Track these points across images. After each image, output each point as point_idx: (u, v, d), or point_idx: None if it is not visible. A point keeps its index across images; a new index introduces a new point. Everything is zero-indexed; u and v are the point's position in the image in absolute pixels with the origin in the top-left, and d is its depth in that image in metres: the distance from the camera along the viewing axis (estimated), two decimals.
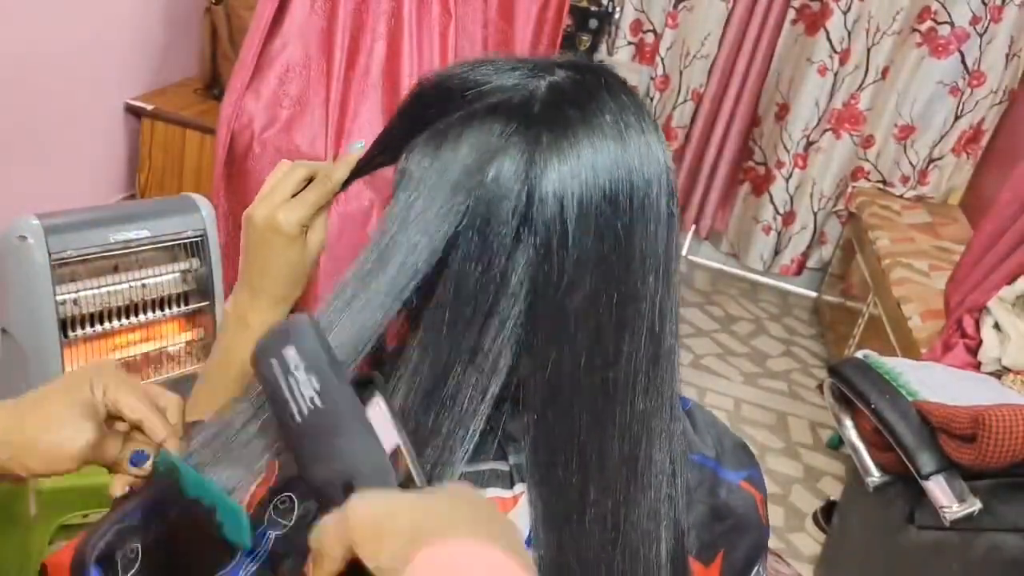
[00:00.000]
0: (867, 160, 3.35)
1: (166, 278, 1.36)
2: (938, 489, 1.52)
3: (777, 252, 3.55)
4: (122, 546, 0.56)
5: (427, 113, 0.57)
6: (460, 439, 0.54)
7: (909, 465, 1.55)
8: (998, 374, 1.90)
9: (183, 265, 1.39)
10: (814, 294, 3.58)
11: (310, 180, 0.70)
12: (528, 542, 0.56)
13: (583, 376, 0.55)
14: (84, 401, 0.58)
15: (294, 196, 0.69)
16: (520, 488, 0.57)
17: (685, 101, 3.46)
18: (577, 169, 0.53)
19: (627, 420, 0.56)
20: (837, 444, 2.64)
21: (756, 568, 0.67)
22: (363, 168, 0.67)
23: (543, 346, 0.55)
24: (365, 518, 0.43)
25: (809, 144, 3.36)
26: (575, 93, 0.55)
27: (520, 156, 0.53)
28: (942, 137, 3.25)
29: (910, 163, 3.31)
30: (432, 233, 0.54)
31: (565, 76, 0.56)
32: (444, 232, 0.54)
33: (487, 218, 0.53)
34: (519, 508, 0.56)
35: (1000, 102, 3.14)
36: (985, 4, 3.05)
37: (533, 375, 0.55)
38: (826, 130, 3.33)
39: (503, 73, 0.56)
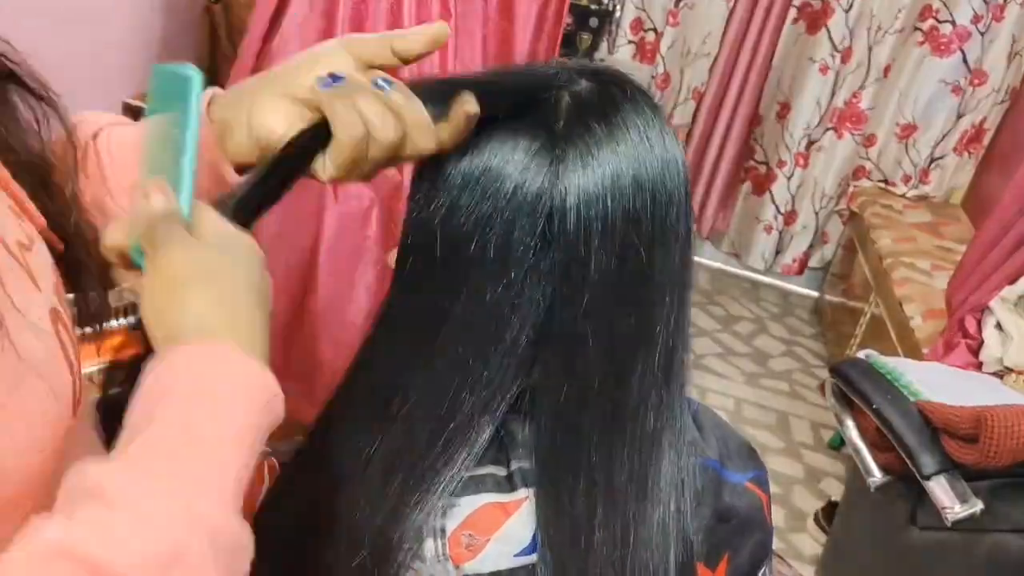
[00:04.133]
0: (869, 159, 3.35)
1: None
2: (940, 489, 1.51)
3: (778, 251, 3.54)
4: None
5: None
6: (461, 449, 0.53)
7: (911, 465, 1.54)
8: (1000, 374, 1.89)
9: None
10: (816, 294, 3.58)
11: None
12: (533, 547, 0.55)
13: (595, 396, 0.54)
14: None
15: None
16: (523, 493, 0.56)
17: (686, 100, 3.46)
18: (601, 190, 0.52)
19: (637, 438, 0.55)
20: (839, 444, 2.64)
21: (762, 570, 0.67)
22: None
23: (555, 366, 0.54)
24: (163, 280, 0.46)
25: (810, 143, 3.36)
26: (599, 106, 0.54)
27: (544, 174, 0.52)
28: (944, 136, 3.24)
29: (912, 162, 3.30)
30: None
31: (587, 87, 0.55)
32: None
33: (508, 234, 0.52)
34: (520, 514, 0.55)
35: (1002, 101, 3.14)
36: (987, 3, 3.04)
37: (543, 393, 0.54)
38: (827, 129, 3.32)
39: (528, 80, 0.55)
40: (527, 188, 0.52)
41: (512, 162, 0.52)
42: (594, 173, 0.52)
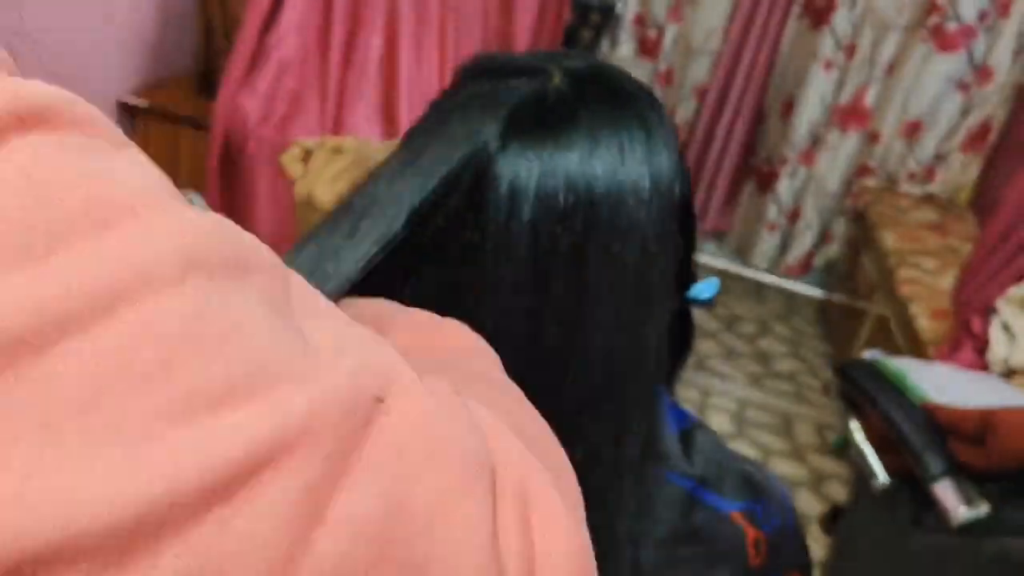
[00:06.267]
0: (873, 157, 3.32)
1: None
2: (946, 492, 1.49)
3: (783, 251, 3.52)
4: None
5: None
6: None
7: (916, 468, 1.52)
8: (1006, 375, 1.87)
9: None
10: (820, 293, 3.55)
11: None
12: None
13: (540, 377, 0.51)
14: None
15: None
16: None
17: (688, 97, 3.43)
18: (535, 164, 0.50)
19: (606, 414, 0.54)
20: (841, 446, 2.61)
21: None
22: None
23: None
24: None
25: (815, 141, 3.33)
26: (573, 96, 0.53)
27: (493, 138, 0.50)
28: (949, 134, 3.21)
29: (917, 160, 3.27)
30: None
31: (566, 79, 0.53)
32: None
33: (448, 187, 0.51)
34: None
35: (1008, 98, 3.11)
36: None
37: None
38: (832, 127, 3.29)
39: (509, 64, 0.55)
40: (473, 143, 0.51)
41: (470, 127, 0.53)
42: (538, 151, 0.50)
